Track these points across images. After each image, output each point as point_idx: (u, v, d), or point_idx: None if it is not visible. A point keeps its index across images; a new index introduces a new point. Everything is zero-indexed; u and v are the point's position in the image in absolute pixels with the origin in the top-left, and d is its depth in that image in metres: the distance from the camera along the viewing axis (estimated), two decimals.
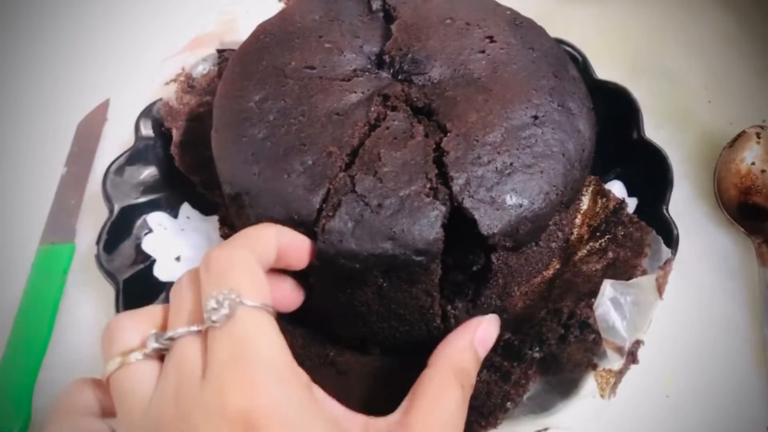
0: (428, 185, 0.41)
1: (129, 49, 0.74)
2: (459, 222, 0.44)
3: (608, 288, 0.42)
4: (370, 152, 0.42)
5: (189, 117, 0.62)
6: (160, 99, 0.62)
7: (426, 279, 0.41)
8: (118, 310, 0.49)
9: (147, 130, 0.62)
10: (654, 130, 0.59)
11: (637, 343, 0.42)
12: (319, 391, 0.32)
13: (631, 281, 0.43)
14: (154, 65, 0.67)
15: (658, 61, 0.69)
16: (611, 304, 0.42)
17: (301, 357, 0.45)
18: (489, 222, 0.43)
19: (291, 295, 0.41)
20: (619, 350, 0.42)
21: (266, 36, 0.54)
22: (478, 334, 0.40)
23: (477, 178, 0.44)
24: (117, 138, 0.67)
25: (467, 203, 0.43)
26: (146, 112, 0.62)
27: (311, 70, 0.49)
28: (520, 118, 0.46)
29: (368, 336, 0.45)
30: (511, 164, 0.44)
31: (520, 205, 0.43)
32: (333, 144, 0.45)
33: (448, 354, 0.37)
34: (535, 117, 0.46)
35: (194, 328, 0.30)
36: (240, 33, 0.65)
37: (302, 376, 0.30)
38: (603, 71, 0.62)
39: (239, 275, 0.31)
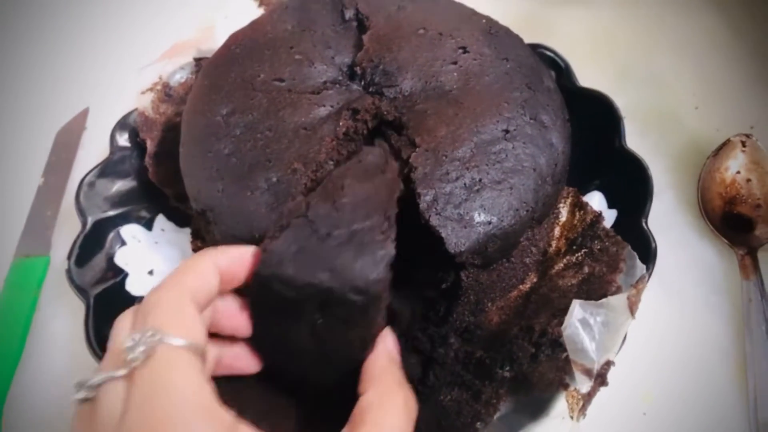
0: (385, 224, 0.37)
1: (108, 56, 0.73)
2: (429, 239, 0.43)
3: (577, 308, 0.41)
4: (335, 181, 0.40)
5: (165, 127, 0.61)
6: (136, 109, 0.61)
7: (363, 324, 0.37)
8: (87, 327, 0.49)
9: (123, 141, 0.61)
10: (639, 137, 0.59)
11: (607, 365, 0.41)
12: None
13: (601, 301, 0.42)
14: (134, 73, 0.65)
15: (646, 66, 0.68)
16: (580, 325, 0.41)
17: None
18: (456, 240, 0.42)
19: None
20: (588, 372, 0.41)
21: (237, 47, 0.53)
22: (390, 346, 0.38)
23: (445, 195, 0.43)
24: (95, 147, 0.66)
25: (434, 221, 0.42)
26: (122, 123, 0.61)
27: (280, 83, 0.48)
28: (491, 132, 0.45)
29: (302, 380, 0.43)
30: (480, 180, 0.43)
31: (489, 223, 0.43)
32: (298, 160, 0.45)
33: (379, 372, 0.35)
34: (506, 131, 0.45)
35: (119, 372, 0.29)
36: (218, 41, 0.62)
37: (225, 417, 0.29)
38: (588, 76, 0.60)
39: (163, 314, 0.30)
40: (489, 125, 0.45)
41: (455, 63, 0.48)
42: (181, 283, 0.33)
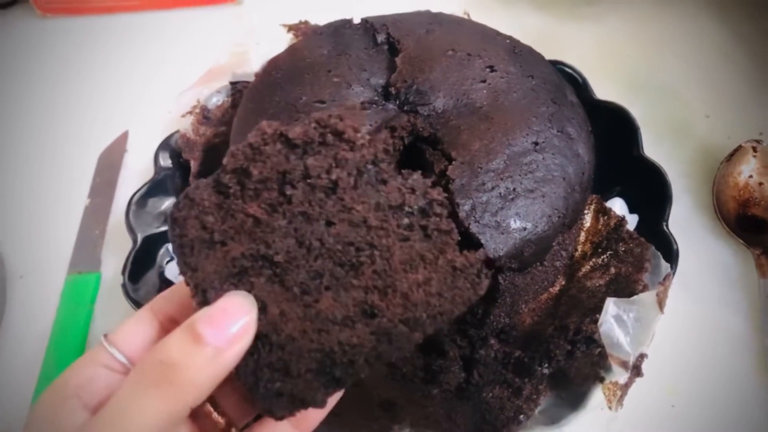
0: None
1: (146, 82, 0.76)
2: (466, 246, 0.46)
3: (611, 306, 0.44)
4: None
5: (205, 148, 0.64)
6: (178, 131, 0.64)
7: None
8: None
9: (165, 162, 0.64)
10: (654, 145, 0.61)
11: (641, 357, 0.44)
12: None
13: (632, 298, 0.45)
14: (169, 97, 0.68)
15: (657, 77, 0.70)
16: (615, 321, 0.44)
17: None
18: (495, 245, 0.44)
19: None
20: (624, 364, 0.43)
21: (277, 71, 0.55)
22: (201, 314, 0.29)
23: (482, 204, 0.44)
24: (137, 168, 0.68)
25: (474, 228, 0.44)
26: (164, 144, 0.65)
27: (321, 104, 0.50)
28: (521, 144, 0.46)
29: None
30: (514, 189, 0.44)
31: (524, 229, 0.44)
32: None
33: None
34: (536, 143, 0.47)
35: None
36: (252, 64, 0.67)
37: None
38: (602, 89, 0.63)
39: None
40: (519, 138, 0.47)
41: (484, 81, 0.50)
42: (64, 380, 0.30)
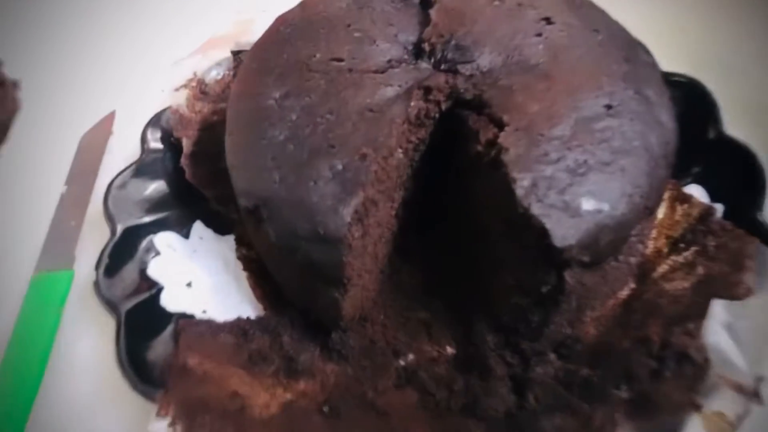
0: None
1: (137, 55, 0.68)
2: (520, 233, 0.38)
3: (720, 310, 0.34)
4: None
5: (201, 126, 0.56)
6: (170, 107, 0.56)
7: None
8: (118, 346, 0.43)
9: (155, 142, 0.56)
10: (730, 127, 0.52)
11: (761, 380, 0.34)
12: None
13: (746, 300, 0.35)
14: (164, 72, 0.60)
15: (722, 54, 0.62)
16: (724, 331, 0.34)
17: (338, 400, 0.40)
18: (564, 232, 0.36)
19: None
20: (739, 388, 0.33)
21: (287, 27, 0.48)
22: None
23: (545, 179, 0.38)
24: (123, 153, 0.59)
25: (536, 209, 0.37)
26: (154, 122, 0.56)
27: (339, 63, 0.44)
28: (591, 107, 0.41)
29: None
30: (586, 162, 0.39)
31: (599, 211, 0.38)
32: (367, 145, 0.40)
33: None
34: (609, 106, 0.41)
35: None
36: (256, 34, 0.57)
37: None
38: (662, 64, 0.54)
39: None
40: (588, 100, 0.41)
41: (539, 35, 0.44)
42: None
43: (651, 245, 0.48)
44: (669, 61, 0.53)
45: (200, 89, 0.58)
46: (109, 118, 0.64)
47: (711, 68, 0.58)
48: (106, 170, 0.58)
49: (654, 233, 0.48)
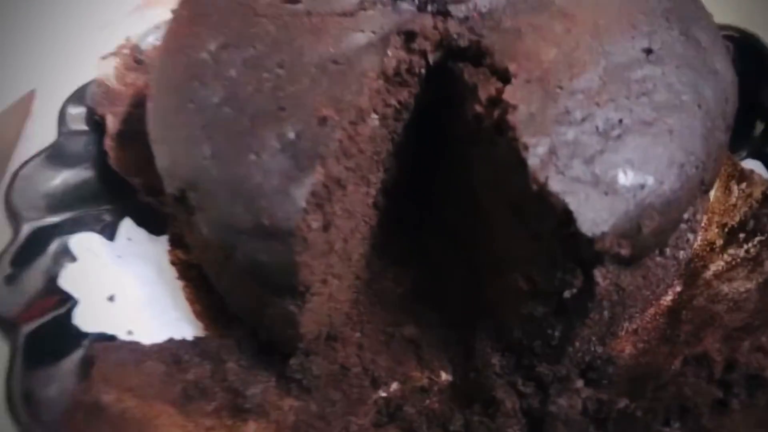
0: None
1: (62, 20, 0.63)
2: (537, 216, 0.35)
3: None
4: None
5: (134, 102, 0.52)
6: (95, 79, 0.53)
7: None
8: (10, 380, 0.39)
9: (76, 123, 0.52)
10: None
11: None
12: None
13: None
14: (94, 42, 0.56)
15: None
16: None
17: None
18: (594, 215, 0.33)
19: None
20: None
21: None
22: None
23: (567, 145, 0.34)
24: (43, 139, 0.54)
25: (555, 184, 0.33)
26: (76, 97, 0.53)
27: (295, 5, 0.41)
28: (626, 52, 0.38)
29: None
30: (621, 122, 0.35)
31: (642, 186, 0.34)
32: (328, 105, 0.36)
33: None
34: (648, 50, 0.38)
35: None
36: None
37: None
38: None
39: None
40: (621, 43, 0.38)
41: None
42: None
43: (701, 236, 0.45)
44: (716, 13, 0.51)
45: (134, 57, 0.55)
46: (28, 98, 0.60)
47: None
48: (21, 158, 0.53)
49: (704, 220, 0.45)
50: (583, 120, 0.34)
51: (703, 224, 0.45)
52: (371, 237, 0.44)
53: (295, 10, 0.40)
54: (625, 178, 0.33)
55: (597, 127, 0.34)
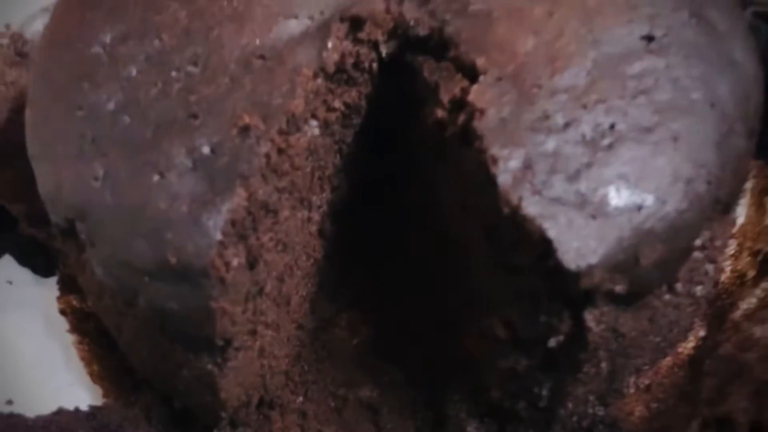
0: None
1: None
2: (512, 247, 0.36)
3: None
4: None
5: (15, 107, 0.54)
6: None
7: None
8: None
9: None
10: None
11: None
12: None
13: None
14: None
15: None
16: None
17: None
18: (579, 244, 0.34)
19: None
20: None
21: None
22: None
23: (546, 157, 0.36)
24: None
25: (530, 207, 0.35)
26: None
27: None
28: (621, 40, 0.39)
29: None
30: (613, 127, 0.37)
31: (639, 207, 0.36)
32: (252, 111, 0.38)
33: None
34: (649, 37, 0.40)
35: None
36: None
37: None
38: None
39: None
40: (616, 29, 0.40)
41: None
42: None
43: (729, 268, 0.48)
44: None
45: (15, 49, 0.57)
46: None
47: None
48: None
49: (733, 247, 0.48)
50: (567, 126, 0.36)
51: (732, 251, 0.47)
52: (317, 274, 0.45)
53: None
54: (618, 198, 0.35)
55: (583, 135, 0.36)
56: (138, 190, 0.36)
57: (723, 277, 0.47)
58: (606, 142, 0.36)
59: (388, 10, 0.41)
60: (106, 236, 0.37)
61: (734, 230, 0.49)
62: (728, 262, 0.48)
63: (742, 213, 0.48)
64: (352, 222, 0.46)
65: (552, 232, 0.34)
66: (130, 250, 0.36)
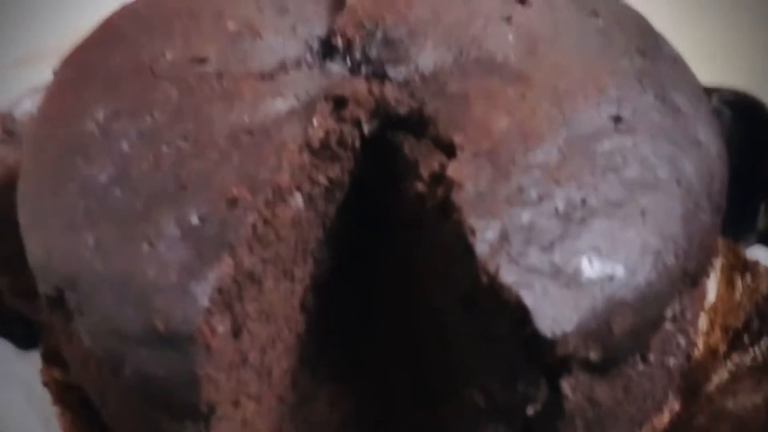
0: None
1: None
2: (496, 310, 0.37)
3: None
4: None
5: (2, 182, 0.54)
6: None
7: None
8: None
9: None
10: None
11: None
12: None
13: None
14: None
15: None
16: None
17: None
18: (554, 312, 0.35)
19: None
20: None
21: (126, 19, 0.48)
22: None
23: (522, 229, 0.37)
24: None
25: (507, 275, 0.36)
26: None
27: (203, 65, 0.44)
28: (591, 120, 0.41)
29: None
30: (585, 201, 0.39)
31: (611, 277, 0.37)
32: (240, 183, 0.39)
33: None
34: (617, 118, 0.42)
35: None
36: None
37: None
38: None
39: None
40: (585, 110, 0.41)
41: (508, 20, 0.46)
42: None
43: (702, 342, 0.48)
44: (713, 73, 0.56)
45: (4, 128, 0.59)
46: None
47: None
48: None
49: (705, 322, 0.49)
50: (540, 200, 0.37)
51: (703, 327, 0.48)
52: (299, 347, 0.46)
53: (203, 72, 0.43)
54: (591, 269, 0.36)
55: (556, 209, 0.37)
56: (128, 259, 0.37)
57: (696, 353, 0.47)
58: (578, 215, 0.38)
59: (370, 91, 0.43)
60: (95, 304, 0.37)
61: (706, 306, 0.49)
62: (701, 338, 0.48)
63: (713, 290, 0.49)
64: (334, 295, 0.46)
65: (528, 300, 0.35)
66: (119, 317, 0.36)
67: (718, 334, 0.48)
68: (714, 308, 0.48)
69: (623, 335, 0.36)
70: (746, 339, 0.46)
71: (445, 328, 0.41)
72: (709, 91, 0.53)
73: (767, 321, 0.46)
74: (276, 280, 0.41)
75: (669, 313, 0.40)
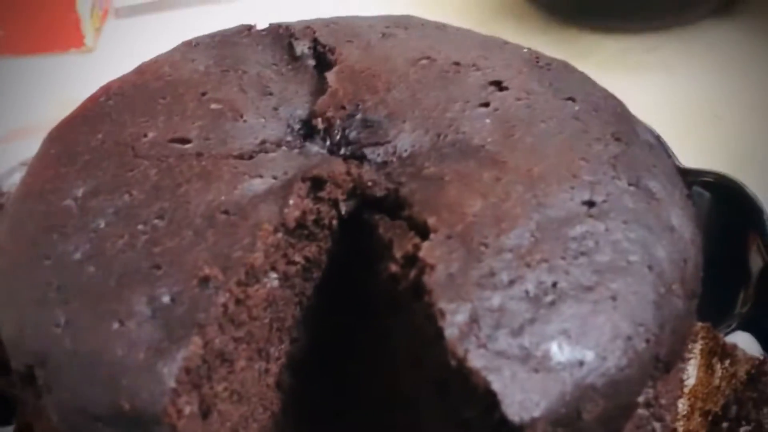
0: None
1: None
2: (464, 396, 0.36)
3: None
4: None
5: None
6: None
7: None
8: None
9: None
10: None
11: None
12: None
13: None
14: None
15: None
16: None
17: None
18: (522, 397, 0.34)
19: None
20: None
21: (110, 98, 0.49)
22: None
23: (492, 312, 0.36)
24: None
25: (476, 359, 0.35)
26: None
27: (184, 145, 0.45)
28: (563, 205, 0.41)
29: None
30: (555, 285, 0.38)
31: (581, 363, 0.36)
32: (212, 263, 0.38)
33: None
34: (590, 203, 0.41)
35: None
36: None
37: None
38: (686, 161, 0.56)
39: None
40: (559, 194, 0.41)
41: (486, 105, 0.46)
42: None
43: (681, 428, 0.47)
44: (693, 156, 0.57)
45: None
46: None
47: (751, 166, 0.63)
48: None
49: (685, 407, 0.48)
50: (511, 283, 0.36)
51: (683, 412, 0.47)
52: (273, 427, 0.45)
53: (183, 151, 0.43)
54: (560, 353, 0.35)
55: (527, 292, 0.36)
56: (97, 338, 0.37)
57: None
58: (548, 299, 0.37)
59: (348, 173, 0.43)
60: (63, 382, 0.37)
61: (686, 391, 0.48)
62: (680, 423, 0.47)
63: (693, 374, 0.49)
64: (310, 374, 0.46)
65: (496, 385, 0.34)
66: (86, 396, 0.36)
67: (697, 418, 0.47)
68: (694, 392, 0.48)
69: (593, 421, 0.36)
70: (724, 425, 0.45)
71: (420, 412, 0.41)
72: (687, 173, 0.53)
73: (745, 407, 0.45)
74: (249, 359, 0.41)
75: (642, 398, 0.39)
